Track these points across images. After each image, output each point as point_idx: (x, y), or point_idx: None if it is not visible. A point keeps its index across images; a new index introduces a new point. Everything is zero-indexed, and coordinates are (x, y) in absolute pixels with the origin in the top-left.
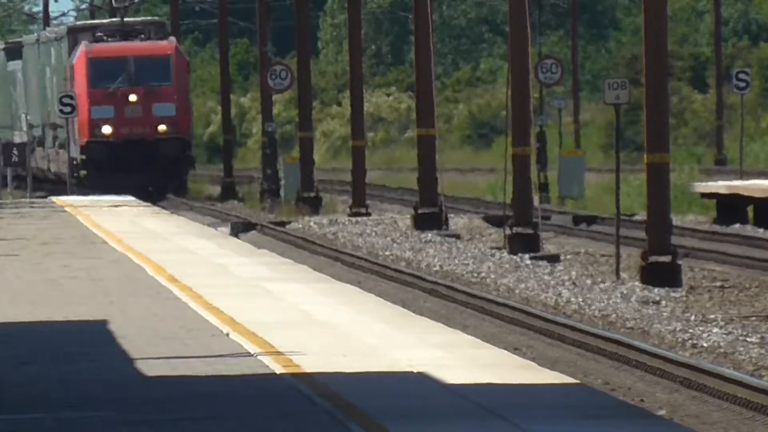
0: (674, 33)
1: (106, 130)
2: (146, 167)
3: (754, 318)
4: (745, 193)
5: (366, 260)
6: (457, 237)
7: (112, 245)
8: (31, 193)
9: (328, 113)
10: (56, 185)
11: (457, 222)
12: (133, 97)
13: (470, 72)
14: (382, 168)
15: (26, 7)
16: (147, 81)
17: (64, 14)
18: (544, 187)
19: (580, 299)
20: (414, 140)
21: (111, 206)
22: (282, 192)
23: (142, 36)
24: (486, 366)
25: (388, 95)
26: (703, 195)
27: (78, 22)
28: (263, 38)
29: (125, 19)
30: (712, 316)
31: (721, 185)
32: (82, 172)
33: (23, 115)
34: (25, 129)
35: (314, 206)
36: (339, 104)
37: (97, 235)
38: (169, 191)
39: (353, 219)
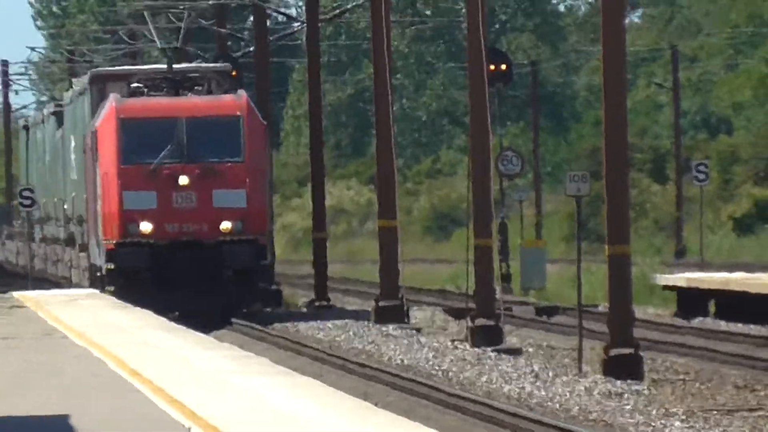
0: (634, 125)
1: (145, 227)
2: (203, 282)
3: (715, 412)
4: (705, 286)
5: (327, 353)
6: (419, 330)
7: (73, 339)
8: None
9: (288, 206)
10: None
11: (418, 314)
12: (184, 180)
13: (431, 164)
14: (344, 260)
15: None
16: (205, 155)
17: (24, 107)
18: (506, 278)
19: (543, 392)
20: (375, 232)
21: (73, 300)
22: None
23: (199, 88)
24: None
25: (349, 188)
26: (664, 287)
27: (106, 68)
28: None
29: (175, 66)
30: (674, 410)
31: (681, 278)
32: (109, 288)
33: (61, 203)
34: (62, 222)
35: (275, 299)
36: (300, 196)
37: (59, 330)
38: (235, 315)
39: (314, 312)
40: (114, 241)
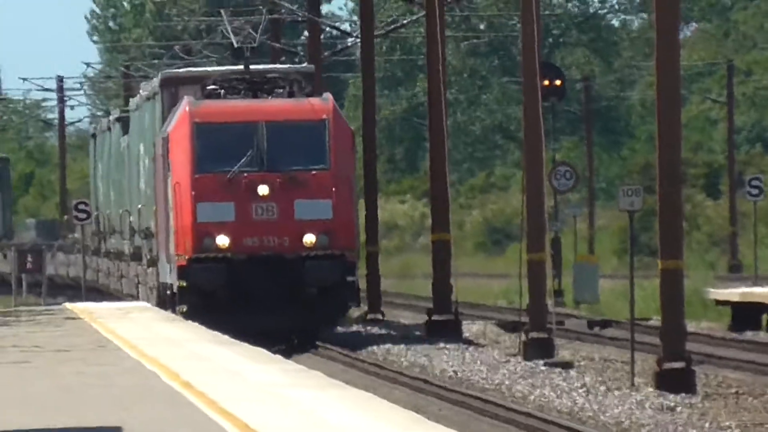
0: (688, 141)
1: (222, 240)
2: (284, 301)
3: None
4: (759, 300)
5: (380, 366)
6: (471, 343)
7: (126, 351)
8: (46, 299)
9: None
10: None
11: (470, 328)
12: (264, 190)
13: (485, 179)
14: (397, 275)
15: (42, 114)
16: (288, 163)
17: (79, 120)
18: (558, 293)
19: (595, 406)
20: (428, 247)
21: (126, 312)
22: None
23: (279, 90)
24: None
25: (403, 202)
26: (717, 302)
27: (177, 70)
28: None
29: (252, 66)
30: (727, 423)
31: (734, 292)
32: (181, 308)
33: (126, 215)
34: (127, 235)
35: None
36: None
37: (112, 342)
38: (319, 337)
39: (367, 325)
40: (187, 257)
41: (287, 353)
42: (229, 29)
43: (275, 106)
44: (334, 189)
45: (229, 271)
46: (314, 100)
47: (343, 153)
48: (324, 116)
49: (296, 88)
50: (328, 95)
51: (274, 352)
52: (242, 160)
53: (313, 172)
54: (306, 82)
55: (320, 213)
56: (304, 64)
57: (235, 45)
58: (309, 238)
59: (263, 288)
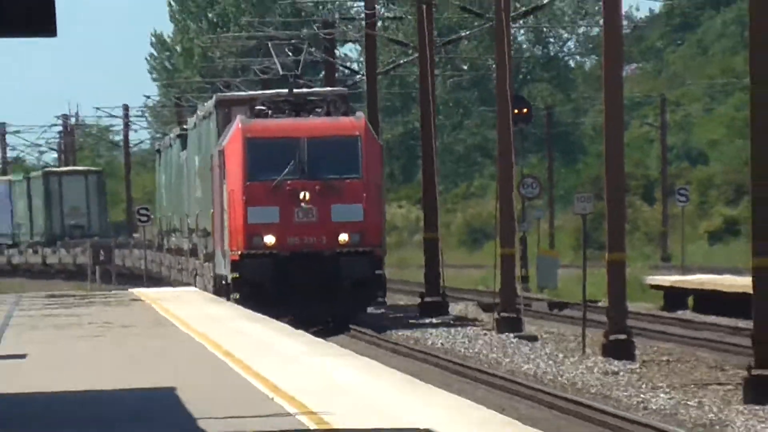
0: (630, 158)
1: (269, 239)
2: (322, 291)
3: (692, 386)
4: (686, 286)
5: (382, 339)
6: (456, 320)
7: (179, 327)
8: (117, 287)
9: None
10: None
11: (455, 308)
12: (305, 195)
13: (466, 188)
14: (395, 266)
15: (111, 136)
16: (325, 173)
17: (141, 141)
18: (525, 280)
19: (554, 370)
20: (421, 244)
21: (178, 296)
22: None
23: (319, 110)
24: (478, 423)
25: (401, 207)
26: (652, 286)
27: (230, 93)
28: None
29: (295, 90)
30: (660, 384)
31: (666, 279)
32: (234, 296)
33: (185, 217)
34: (186, 235)
35: None
36: None
37: (167, 320)
38: (351, 323)
39: (372, 307)
40: (239, 252)
41: (322, 334)
42: (276, 60)
43: (315, 123)
44: (364, 195)
45: (274, 265)
46: (348, 119)
47: (373, 164)
48: (357, 132)
49: (333, 108)
50: (360, 114)
51: (312, 334)
52: (286, 170)
53: (347, 180)
54: (341, 102)
55: (353, 215)
56: (339, 88)
57: (281, 72)
58: (343, 237)
59: (304, 280)
